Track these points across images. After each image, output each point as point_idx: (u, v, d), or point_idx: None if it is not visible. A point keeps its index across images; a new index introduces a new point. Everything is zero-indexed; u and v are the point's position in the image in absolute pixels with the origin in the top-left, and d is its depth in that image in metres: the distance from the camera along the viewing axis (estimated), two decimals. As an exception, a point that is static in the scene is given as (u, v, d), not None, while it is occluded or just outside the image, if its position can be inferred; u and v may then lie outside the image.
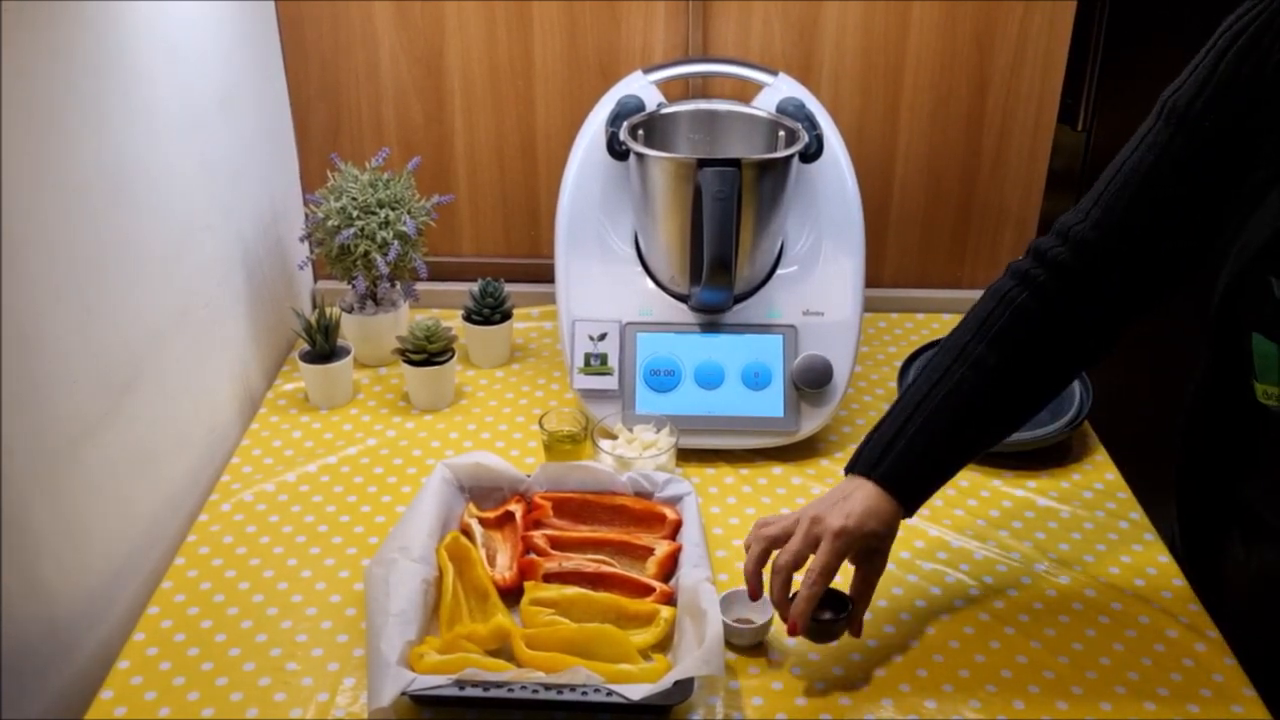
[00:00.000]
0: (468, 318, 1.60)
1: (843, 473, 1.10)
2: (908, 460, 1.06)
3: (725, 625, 1.06)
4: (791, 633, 1.05)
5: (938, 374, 1.07)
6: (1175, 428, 1.18)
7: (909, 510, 1.08)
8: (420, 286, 1.60)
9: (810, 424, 1.41)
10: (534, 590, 1.13)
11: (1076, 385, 1.47)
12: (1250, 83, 0.94)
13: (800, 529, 1.05)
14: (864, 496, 1.05)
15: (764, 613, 1.11)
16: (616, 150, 1.42)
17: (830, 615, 1.07)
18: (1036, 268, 1.06)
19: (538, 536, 1.20)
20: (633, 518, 1.24)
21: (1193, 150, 0.98)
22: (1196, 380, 1.14)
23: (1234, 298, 1.03)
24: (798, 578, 1.05)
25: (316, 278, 1.80)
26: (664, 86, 1.52)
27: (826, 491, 1.09)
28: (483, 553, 1.19)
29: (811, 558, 1.05)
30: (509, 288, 1.61)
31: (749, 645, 1.12)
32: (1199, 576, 1.22)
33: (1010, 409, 1.10)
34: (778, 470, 1.40)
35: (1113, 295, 1.04)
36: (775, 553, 1.07)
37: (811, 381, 1.39)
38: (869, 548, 1.06)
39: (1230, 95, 0.95)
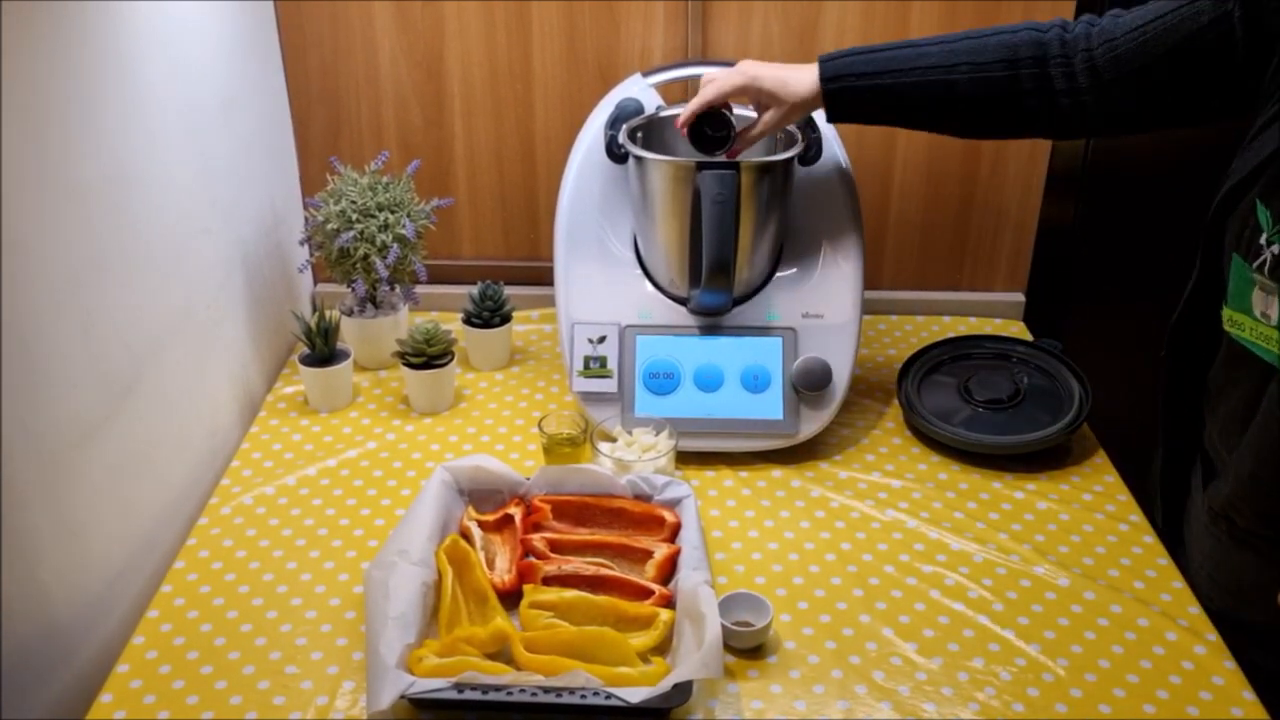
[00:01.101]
0: (467, 320, 1.60)
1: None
2: (856, 68, 1.23)
3: (725, 628, 1.06)
4: (680, 126, 1.32)
5: (931, 41, 1.23)
6: (1158, 362, 1.22)
7: (829, 108, 1.26)
8: (420, 289, 1.60)
9: (810, 426, 1.41)
10: (533, 593, 1.13)
11: (1076, 387, 1.47)
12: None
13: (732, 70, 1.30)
14: (800, 69, 1.26)
15: (764, 615, 1.11)
16: (615, 153, 1.42)
17: (711, 130, 1.32)
18: (1059, 54, 1.16)
19: (537, 539, 1.20)
20: (632, 520, 1.24)
21: (1217, 35, 1.05)
22: (1178, 308, 1.17)
23: (1221, 220, 1.08)
24: None
25: (316, 281, 1.80)
26: (663, 89, 1.52)
27: None
28: (482, 556, 1.19)
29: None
30: (508, 290, 1.61)
31: (749, 648, 1.12)
32: (1172, 537, 1.25)
33: (958, 106, 1.22)
34: (777, 473, 1.40)
35: (1093, 113, 1.17)
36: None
37: (811, 384, 1.39)
38: (769, 98, 1.27)
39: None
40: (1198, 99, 1.11)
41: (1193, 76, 1.09)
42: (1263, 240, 1.01)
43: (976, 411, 1.45)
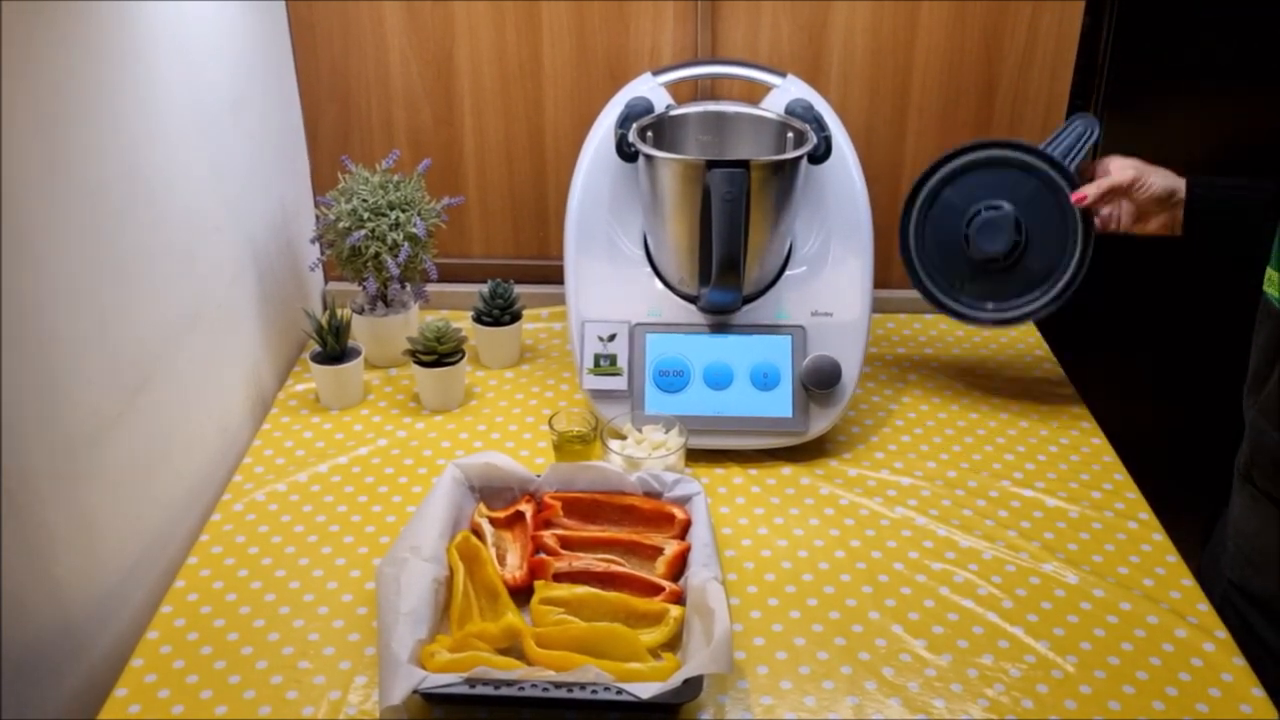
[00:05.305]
0: (478, 319, 1.61)
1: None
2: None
3: None
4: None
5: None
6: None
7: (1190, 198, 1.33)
8: (430, 288, 1.61)
9: (819, 424, 1.41)
10: (544, 589, 1.13)
11: (1080, 234, 1.43)
12: None
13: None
14: None
15: None
16: (625, 152, 1.42)
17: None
18: None
19: (548, 536, 1.21)
20: (642, 517, 1.24)
21: None
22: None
23: None
24: None
25: (327, 279, 1.81)
26: (673, 88, 1.53)
27: None
28: (493, 552, 1.19)
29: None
30: (519, 289, 1.62)
31: None
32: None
33: None
34: (786, 470, 1.40)
35: None
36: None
37: (820, 382, 1.40)
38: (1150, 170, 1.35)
39: None
40: None
41: None
42: None
43: (973, 272, 1.46)
